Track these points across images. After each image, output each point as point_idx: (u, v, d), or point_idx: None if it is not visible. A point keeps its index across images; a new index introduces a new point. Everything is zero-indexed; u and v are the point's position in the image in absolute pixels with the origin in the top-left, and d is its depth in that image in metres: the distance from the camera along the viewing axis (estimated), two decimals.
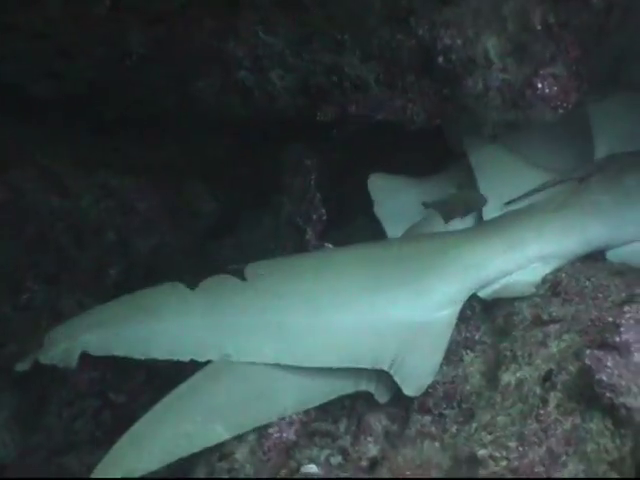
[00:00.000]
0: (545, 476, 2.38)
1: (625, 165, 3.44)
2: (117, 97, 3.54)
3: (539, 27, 3.18)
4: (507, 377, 2.78)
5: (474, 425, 2.70)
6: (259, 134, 3.65)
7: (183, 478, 2.94)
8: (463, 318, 3.20)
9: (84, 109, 3.62)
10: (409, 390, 2.95)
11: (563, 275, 3.14)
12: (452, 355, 3.08)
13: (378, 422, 2.96)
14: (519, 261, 3.24)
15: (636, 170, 3.39)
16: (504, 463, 2.45)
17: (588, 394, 2.48)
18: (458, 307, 3.16)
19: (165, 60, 3.28)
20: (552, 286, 3.12)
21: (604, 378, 2.44)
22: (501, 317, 3.15)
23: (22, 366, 3.04)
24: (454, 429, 2.77)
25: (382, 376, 3.03)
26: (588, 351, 2.54)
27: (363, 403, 3.08)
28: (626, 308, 2.66)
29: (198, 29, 3.16)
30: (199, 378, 3.00)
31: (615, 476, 2.30)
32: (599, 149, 3.61)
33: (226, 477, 2.84)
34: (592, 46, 3.80)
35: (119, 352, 3.05)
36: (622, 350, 2.50)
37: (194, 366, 3.03)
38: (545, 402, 2.58)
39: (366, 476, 2.71)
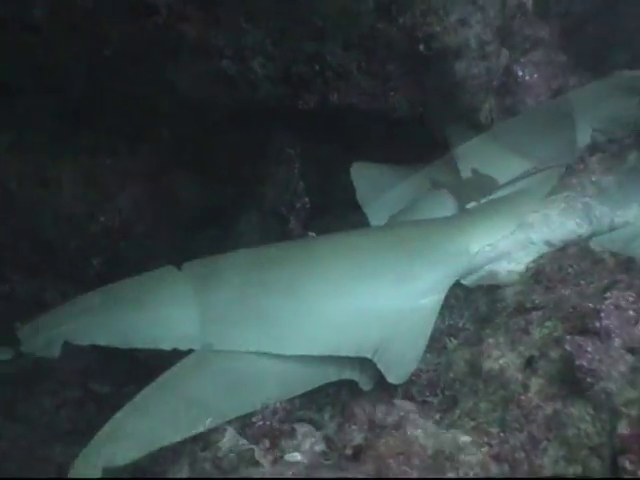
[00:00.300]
0: (526, 462, 2.40)
1: (626, 144, 3.47)
2: (100, 88, 3.52)
3: (520, 15, 3.19)
4: (490, 364, 2.79)
5: (457, 412, 2.72)
6: (242, 123, 3.63)
7: (176, 479, 2.93)
8: (447, 305, 3.20)
9: (67, 99, 3.61)
10: (393, 378, 2.94)
11: (546, 263, 3.15)
12: (435, 343, 3.08)
13: (362, 410, 2.95)
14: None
15: (637, 149, 3.41)
16: (485, 449, 2.47)
17: (569, 380, 2.50)
18: (442, 295, 3.15)
19: (146, 49, 3.27)
20: (535, 274, 3.13)
21: (584, 364, 2.46)
22: (484, 304, 3.16)
23: (4, 356, 3.03)
24: (437, 416, 2.77)
25: (366, 364, 3.02)
26: (569, 337, 2.56)
27: (347, 391, 3.08)
28: (607, 294, 2.68)
29: (179, 18, 3.15)
30: (181, 367, 2.99)
31: (596, 461, 2.31)
32: (581, 135, 3.63)
33: (222, 477, 2.82)
34: (574, 33, 3.88)
35: (101, 341, 3.04)
36: (602, 336, 2.52)
37: (177, 355, 3.02)
38: (526, 388, 2.59)
39: (350, 464, 2.71)
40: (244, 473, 2.69)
